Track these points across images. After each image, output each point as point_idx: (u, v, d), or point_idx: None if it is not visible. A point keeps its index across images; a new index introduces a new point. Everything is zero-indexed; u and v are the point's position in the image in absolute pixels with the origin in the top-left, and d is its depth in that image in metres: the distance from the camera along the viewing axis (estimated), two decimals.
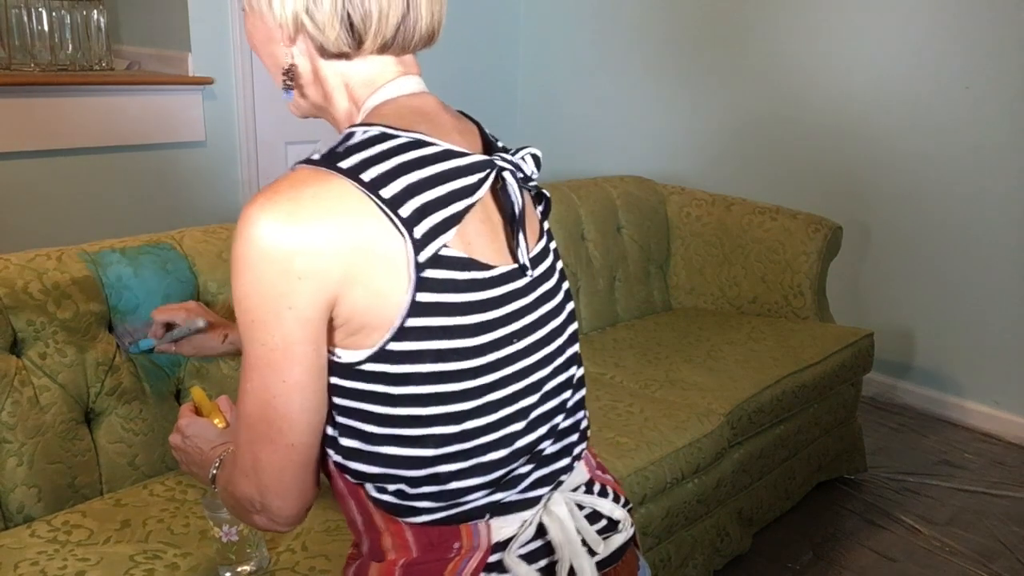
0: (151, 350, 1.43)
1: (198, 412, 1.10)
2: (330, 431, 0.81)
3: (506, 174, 0.83)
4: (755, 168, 3.40)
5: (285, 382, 0.75)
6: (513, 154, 0.86)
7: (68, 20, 3.02)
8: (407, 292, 0.75)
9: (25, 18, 2.95)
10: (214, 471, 0.95)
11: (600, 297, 2.65)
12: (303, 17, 0.80)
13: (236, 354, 1.40)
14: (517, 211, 0.84)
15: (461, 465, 0.80)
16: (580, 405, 0.91)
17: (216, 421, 1.06)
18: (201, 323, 1.34)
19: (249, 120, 3.22)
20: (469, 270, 0.78)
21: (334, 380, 0.78)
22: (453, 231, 0.77)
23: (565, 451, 0.88)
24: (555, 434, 0.87)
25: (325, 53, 0.83)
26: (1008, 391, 2.95)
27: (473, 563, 0.81)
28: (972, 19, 2.82)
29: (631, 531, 0.89)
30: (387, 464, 0.80)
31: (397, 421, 0.78)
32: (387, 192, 0.74)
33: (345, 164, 0.75)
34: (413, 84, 0.86)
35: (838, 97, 3.15)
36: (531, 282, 0.85)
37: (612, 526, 0.89)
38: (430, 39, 0.86)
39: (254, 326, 0.74)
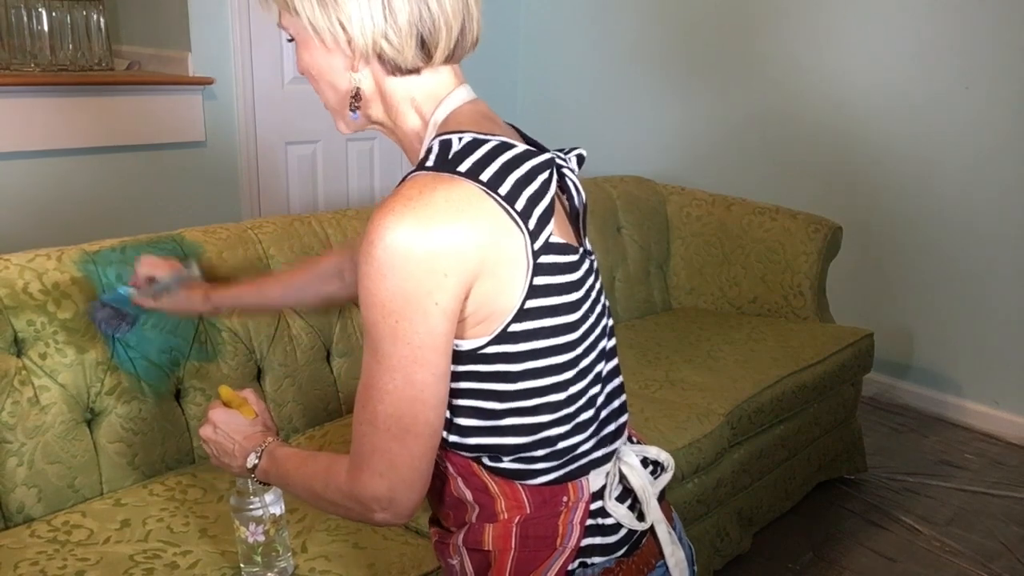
0: (128, 299, 1.42)
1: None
2: (445, 414, 0.87)
3: (565, 170, 0.93)
4: (755, 168, 3.40)
5: (433, 375, 0.82)
6: (566, 153, 0.95)
7: (68, 20, 3.02)
8: (526, 277, 0.84)
9: (25, 18, 2.95)
10: (254, 460, 1.01)
11: None
12: (382, 42, 0.86)
13: (213, 314, 1.46)
14: (579, 203, 0.96)
15: (567, 427, 0.90)
16: (619, 368, 1.03)
17: (245, 413, 1.07)
18: (195, 271, 1.37)
19: (249, 120, 3.21)
20: (567, 254, 0.87)
21: (454, 367, 0.86)
22: (552, 220, 0.86)
23: (623, 407, 1.00)
24: (616, 393, 0.99)
25: (398, 71, 0.89)
26: (1008, 391, 2.95)
27: (580, 512, 0.92)
28: (972, 20, 2.82)
29: (672, 471, 1.01)
30: (505, 434, 0.88)
31: (516, 395, 0.87)
32: (503, 190, 0.82)
33: (463, 168, 0.82)
34: (469, 92, 0.94)
35: (838, 97, 3.15)
36: (589, 264, 0.95)
37: (656, 468, 1.01)
38: (475, 45, 0.94)
39: (399, 327, 0.80)
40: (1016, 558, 2.26)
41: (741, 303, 2.78)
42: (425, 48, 0.87)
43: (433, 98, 0.91)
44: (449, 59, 0.90)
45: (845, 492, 2.57)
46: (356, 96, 0.91)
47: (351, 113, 0.93)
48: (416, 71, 0.89)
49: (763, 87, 3.34)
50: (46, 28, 2.98)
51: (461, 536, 0.94)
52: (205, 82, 3.04)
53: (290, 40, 0.91)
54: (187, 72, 3.05)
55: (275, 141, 3.31)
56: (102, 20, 3.10)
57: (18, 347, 1.49)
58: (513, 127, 0.98)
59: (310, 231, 1.93)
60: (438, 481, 0.94)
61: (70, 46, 3.04)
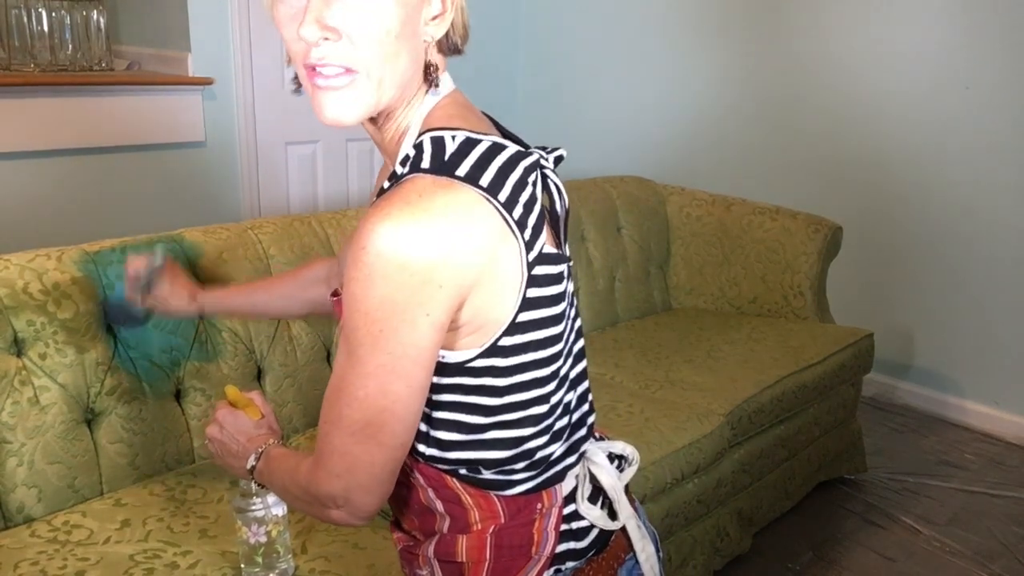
0: (121, 299, 1.47)
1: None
2: (422, 427, 0.85)
3: (547, 171, 0.88)
4: (755, 168, 3.40)
5: (409, 387, 0.77)
6: (549, 152, 0.90)
7: (68, 20, 3.02)
8: (520, 289, 0.80)
9: (25, 18, 2.95)
10: (252, 462, 0.99)
11: (600, 297, 2.65)
12: (460, 11, 0.84)
13: (200, 315, 1.46)
14: (561, 208, 0.91)
15: (545, 437, 0.88)
16: (587, 369, 1.00)
17: (251, 414, 1.07)
18: (158, 259, 1.37)
19: (249, 120, 3.22)
20: (558, 264, 0.84)
21: (437, 379, 0.82)
22: (545, 229, 0.82)
23: (591, 408, 0.98)
24: (585, 395, 0.97)
25: (448, 48, 0.86)
26: (1008, 391, 2.95)
27: (554, 518, 0.90)
28: (973, 20, 2.82)
29: (637, 464, 1.00)
30: (487, 448, 0.85)
31: (501, 409, 0.84)
32: (502, 196, 0.78)
33: (461, 171, 0.77)
34: (451, 81, 0.88)
35: (839, 98, 3.15)
36: (568, 270, 0.91)
37: (621, 462, 0.99)
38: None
39: (381, 335, 0.75)
40: (1016, 558, 2.26)
41: (741, 303, 2.78)
42: (466, 26, 0.85)
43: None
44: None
45: (845, 492, 2.57)
46: (434, 68, 0.84)
47: (431, 89, 0.85)
48: (458, 51, 0.86)
49: (763, 88, 3.34)
50: (46, 28, 2.98)
51: (432, 547, 0.91)
52: (205, 82, 3.04)
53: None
54: (187, 72, 3.05)
55: (275, 141, 3.31)
56: (102, 20, 3.11)
57: (18, 347, 1.49)
58: (488, 117, 0.93)
59: (310, 231, 1.93)
60: (404, 489, 0.91)
61: (70, 46, 3.04)
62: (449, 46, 0.85)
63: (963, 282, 2.98)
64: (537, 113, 4.10)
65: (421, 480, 0.89)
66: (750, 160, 3.42)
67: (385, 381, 0.77)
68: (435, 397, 0.83)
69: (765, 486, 2.26)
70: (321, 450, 0.82)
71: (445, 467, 0.87)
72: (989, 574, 2.19)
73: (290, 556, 1.31)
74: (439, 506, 0.89)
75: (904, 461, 2.77)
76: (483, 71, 3.95)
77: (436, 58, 0.85)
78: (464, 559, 0.89)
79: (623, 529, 0.96)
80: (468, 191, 0.77)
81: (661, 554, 1.02)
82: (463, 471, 0.87)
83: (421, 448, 0.86)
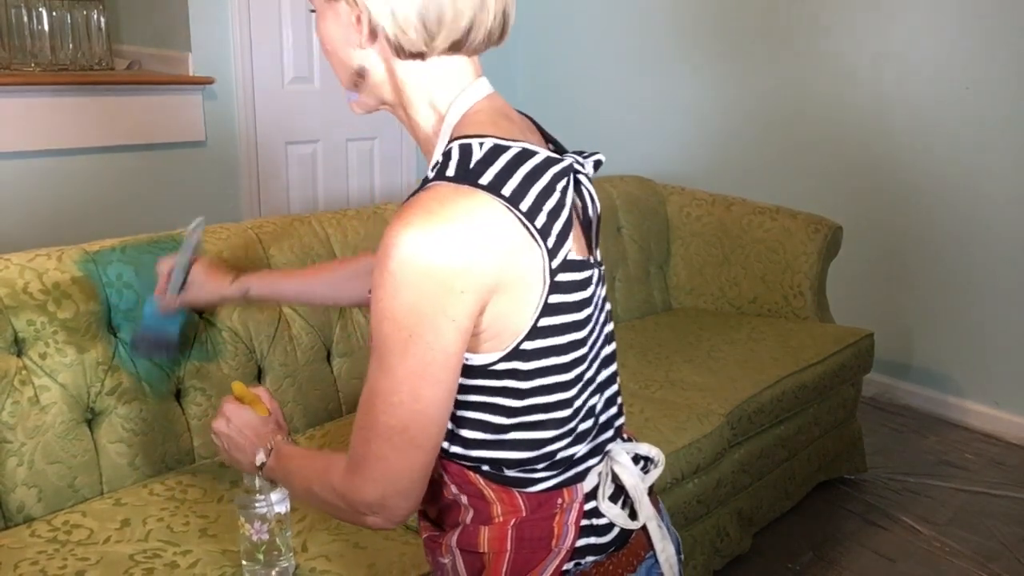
0: (157, 315, 1.42)
1: None
2: (449, 425, 0.87)
3: (581, 177, 0.90)
4: (755, 168, 3.40)
5: (441, 390, 0.81)
6: (585, 157, 0.91)
7: (68, 20, 3.02)
8: (542, 296, 0.82)
9: (25, 18, 2.95)
10: (262, 458, 1.01)
11: None
12: (385, 19, 0.83)
13: (243, 301, 1.40)
14: (594, 213, 0.92)
15: (568, 440, 0.89)
16: (617, 372, 1.02)
17: (259, 410, 1.07)
18: (198, 225, 1.36)
19: (249, 120, 3.22)
20: (583, 271, 0.86)
21: (463, 380, 0.84)
22: (571, 237, 0.83)
23: (620, 411, 1.00)
24: (613, 398, 0.98)
25: (401, 53, 0.85)
26: (1008, 391, 2.95)
27: (574, 513, 0.91)
28: (974, 21, 2.82)
29: (662, 466, 1.01)
30: (509, 448, 0.87)
31: (523, 411, 0.86)
32: (524, 205, 0.80)
33: (484, 180, 0.79)
34: (487, 86, 0.90)
35: (839, 98, 3.15)
36: (598, 274, 0.92)
37: (647, 463, 1.01)
38: (501, 37, 0.89)
39: (411, 340, 0.78)
40: (1016, 558, 2.26)
41: (741, 303, 2.78)
42: (428, 31, 0.83)
43: (448, 91, 0.88)
44: (458, 49, 0.86)
45: (845, 492, 2.57)
46: (360, 74, 0.89)
47: (349, 93, 0.92)
48: (420, 55, 0.85)
49: (764, 88, 3.34)
50: (46, 28, 2.98)
51: (455, 537, 0.93)
52: (205, 82, 3.04)
53: (312, 11, 0.90)
54: (187, 72, 3.06)
55: (275, 141, 3.31)
56: (102, 20, 3.11)
57: (18, 347, 1.49)
58: (528, 118, 0.96)
59: (310, 231, 1.93)
60: (431, 483, 0.92)
61: (70, 46, 3.04)
62: (394, 49, 0.85)
63: (963, 282, 2.98)
64: (536, 113, 4.06)
65: (446, 477, 0.91)
66: (750, 160, 3.42)
67: (417, 386, 0.79)
68: (461, 397, 0.85)
69: (765, 486, 2.26)
70: (356, 457, 0.84)
71: (468, 464, 0.89)
72: (989, 574, 2.19)
73: (291, 554, 1.31)
74: (464, 499, 0.92)
75: (904, 461, 2.77)
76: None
77: (402, 66, 0.86)
78: (486, 550, 0.91)
79: (645, 530, 0.98)
80: (488, 199, 0.79)
81: (682, 556, 1.03)
82: (486, 468, 0.89)
83: (445, 445, 0.89)
